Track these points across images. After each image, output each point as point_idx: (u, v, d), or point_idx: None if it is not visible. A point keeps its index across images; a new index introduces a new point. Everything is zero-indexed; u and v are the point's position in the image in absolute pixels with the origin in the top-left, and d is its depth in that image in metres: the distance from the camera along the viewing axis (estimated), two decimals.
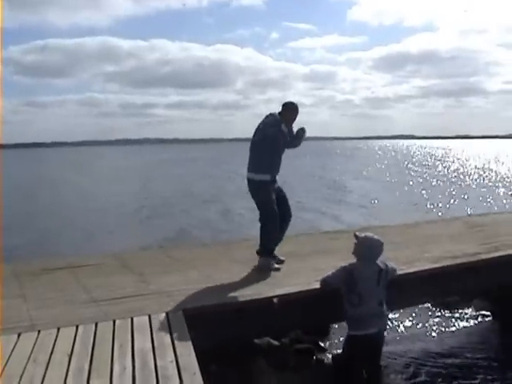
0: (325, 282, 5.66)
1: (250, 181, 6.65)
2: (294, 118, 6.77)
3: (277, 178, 6.78)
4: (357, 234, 5.74)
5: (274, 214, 6.56)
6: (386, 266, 5.62)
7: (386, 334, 5.63)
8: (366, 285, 5.42)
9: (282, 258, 6.85)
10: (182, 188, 36.13)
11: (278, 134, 6.47)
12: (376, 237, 5.67)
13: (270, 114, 6.65)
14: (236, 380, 5.21)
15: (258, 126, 6.69)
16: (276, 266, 6.61)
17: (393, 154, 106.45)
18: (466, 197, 28.33)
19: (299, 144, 6.88)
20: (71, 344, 4.44)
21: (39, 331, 4.72)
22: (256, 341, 6.44)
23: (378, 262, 5.59)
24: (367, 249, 5.59)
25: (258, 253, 6.70)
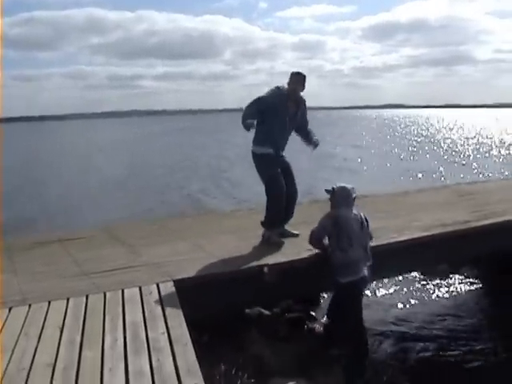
0: (313, 233, 5.71)
1: (253, 154, 6.55)
2: (301, 88, 6.51)
3: (282, 153, 6.64)
4: (331, 187, 5.83)
5: (277, 188, 6.42)
6: (362, 214, 5.76)
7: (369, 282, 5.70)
8: (353, 227, 5.54)
9: (295, 232, 6.72)
10: (176, 159, 36.11)
11: (277, 105, 6.33)
12: (344, 185, 5.80)
13: (276, 87, 6.45)
14: (228, 350, 5.24)
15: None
16: (277, 239, 6.51)
17: (382, 123, 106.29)
18: (456, 165, 28.42)
19: (312, 144, 6.78)
20: (62, 317, 4.45)
21: (30, 305, 4.72)
22: (247, 311, 6.47)
23: (355, 211, 5.71)
24: (345, 197, 5.69)
25: (261, 223, 6.63)
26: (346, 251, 5.44)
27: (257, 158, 6.50)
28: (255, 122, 6.26)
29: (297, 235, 6.65)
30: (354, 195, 5.72)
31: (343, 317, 5.60)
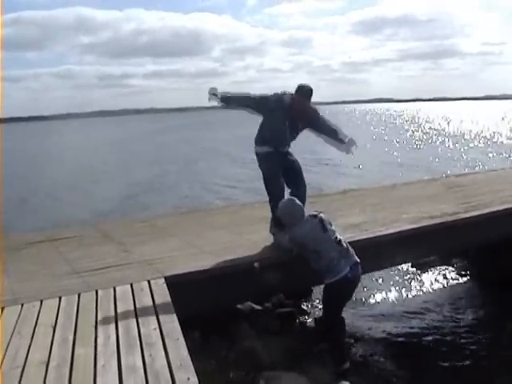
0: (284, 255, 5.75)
1: (255, 154, 6.49)
2: (306, 101, 6.14)
3: (289, 150, 6.43)
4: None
5: (271, 187, 6.32)
6: (318, 213, 5.68)
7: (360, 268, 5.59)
8: (315, 239, 5.46)
9: None
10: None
11: (276, 107, 6.09)
12: (285, 201, 5.76)
13: (283, 92, 6.21)
14: (220, 345, 5.28)
15: None
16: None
17: (372, 117, 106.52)
18: (445, 158, 28.54)
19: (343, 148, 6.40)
20: (55, 315, 4.47)
21: (22, 304, 4.73)
22: (239, 306, 6.51)
23: (309, 215, 5.63)
24: (291, 215, 5.64)
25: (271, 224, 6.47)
26: (319, 261, 5.43)
27: (256, 156, 6.44)
28: (219, 100, 6.12)
29: None
30: (298, 206, 5.66)
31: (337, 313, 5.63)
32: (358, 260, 5.53)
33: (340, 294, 5.50)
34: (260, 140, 6.27)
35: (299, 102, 6.03)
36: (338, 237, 5.54)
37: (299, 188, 6.38)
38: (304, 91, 6.04)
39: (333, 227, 5.60)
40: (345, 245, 5.53)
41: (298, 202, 5.68)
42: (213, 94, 6.08)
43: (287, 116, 6.05)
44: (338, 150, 6.40)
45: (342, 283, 5.39)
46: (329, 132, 6.31)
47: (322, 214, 5.63)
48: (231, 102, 6.21)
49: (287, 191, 6.31)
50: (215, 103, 6.11)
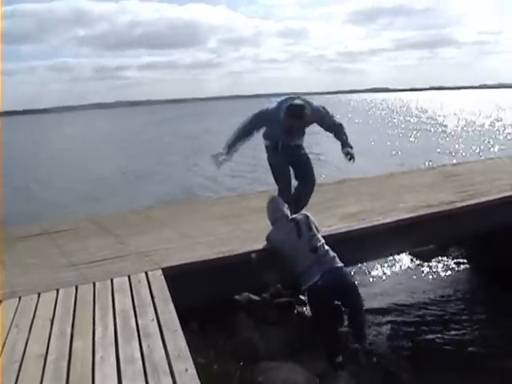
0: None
1: (264, 147, 6.46)
2: (299, 121, 5.97)
3: (298, 143, 6.36)
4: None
5: (279, 180, 6.37)
6: (302, 215, 5.63)
7: (345, 271, 5.44)
8: (288, 246, 5.42)
9: None
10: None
11: (271, 115, 6.02)
12: (272, 197, 5.81)
13: (278, 105, 6.03)
14: (217, 336, 5.28)
15: None
16: None
17: (368, 107, 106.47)
18: (441, 147, 28.53)
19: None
20: (52, 308, 4.47)
21: (20, 297, 4.73)
22: (236, 297, 6.51)
23: (292, 216, 5.61)
24: (273, 212, 5.69)
25: None
26: (293, 267, 5.39)
27: (265, 149, 6.40)
28: (225, 153, 6.00)
29: None
30: (281, 204, 5.69)
31: (322, 319, 5.44)
32: (339, 265, 5.35)
33: (317, 301, 5.33)
34: (265, 134, 6.26)
35: (289, 123, 5.93)
36: (315, 243, 5.38)
37: (307, 183, 6.37)
38: (291, 113, 5.85)
39: (313, 230, 5.47)
40: (322, 251, 5.37)
41: (279, 201, 5.70)
42: (216, 156, 5.99)
43: (284, 128, 6.01)
44: (343, 147, 6.18)
45: (314, 290, 5.26)
46: (333, 130, 6.23)
47: (300, 217, 5.57)
48: (234, 143, 6.04)
49: (295, 185, 6.35)
50: (224, 161, 6.00)
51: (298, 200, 6.33)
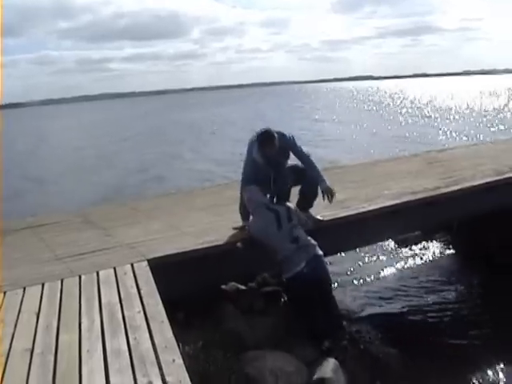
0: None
1: None
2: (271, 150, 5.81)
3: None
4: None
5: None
6: (282, 206, 5.64)
7: (324, 261, 5.52)
8: (268, 236, 5.47)
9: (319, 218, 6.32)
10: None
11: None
12: (248, 188, 5.72)
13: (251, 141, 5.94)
14: (204, 326, 5.27)
15: None
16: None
17: (353, 95, 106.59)
18: (425, 134, 28.65)
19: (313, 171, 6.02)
20: (38, 302, 4.44)
21: (5, 292, 4.70)
22: (223, 287, 6.51)
23: (272, 206, 5.63)
24: (248, 202, 5.71)
25: None
26: (274, 255, 5.44)
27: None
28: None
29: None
30: (258, 193, 5.67)
31: (308, 305, 5.49)
32: (320, 253, 5.43)
33: (303, 288, 5.33)
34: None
35: (264, 152, 5.80)
36: (295, 234, 5.42)
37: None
38: (262, 139, 5.76)
39: (292, 222, 5.49)
40: (303, 240, 5.42)
41: (255, 189, 5.66)
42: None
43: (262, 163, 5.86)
44: (319, 185, 6.00)
45: (298, 279, 5.32)
46: (305, 162, 6.05)
47: (281, 208, 5.58)
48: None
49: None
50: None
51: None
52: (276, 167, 5.93)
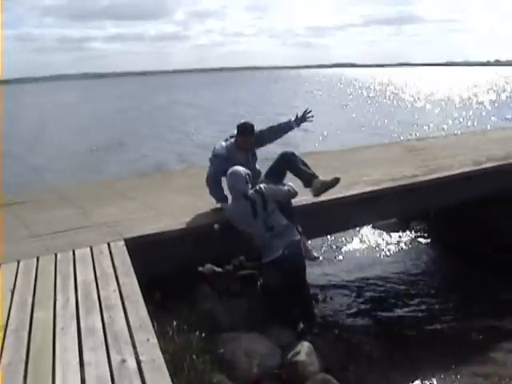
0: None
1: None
2: (249, 139, 6.04)
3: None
4: None
5: None
6: (260, 189, 5.55)
7: (300, 249, 5.55)
8: (244, 224, 5.51)
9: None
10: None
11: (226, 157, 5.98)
12: (231, 170, 5.64)
13: (226, 139, 6.14)
14: (180, 307, 5.28)
15: None
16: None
17: (336, 82, 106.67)
18: (406, 122, 28.78)
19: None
20: (13, 279, 4.42)
21: None
22: (200, 268, 6.51)
23: (249, 194, 5.54)
24: (230, 189, 5.71)
25: None
26: (252, 240, 5.52)
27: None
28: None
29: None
30: (239, 177, 5.57)
31: (286, 289, 5.55)
32: (297, 238, 5.50)
33: (281, 272, 5.38)
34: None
35: (242, 142, 6.01)
36: (270, 223, 5.44)
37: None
38: (242, 129, 5.98)
39: (268, 210, 5.47)
40: (279, 227, 5.45)
41: (238, 175, 5.58)
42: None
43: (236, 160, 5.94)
44: (294, 126, 6.28)
45: (275, 265, 5.38)
46: (277, 132, 6.26)
47: (256, 196, 5.51)
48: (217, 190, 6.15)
49: None
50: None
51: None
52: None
